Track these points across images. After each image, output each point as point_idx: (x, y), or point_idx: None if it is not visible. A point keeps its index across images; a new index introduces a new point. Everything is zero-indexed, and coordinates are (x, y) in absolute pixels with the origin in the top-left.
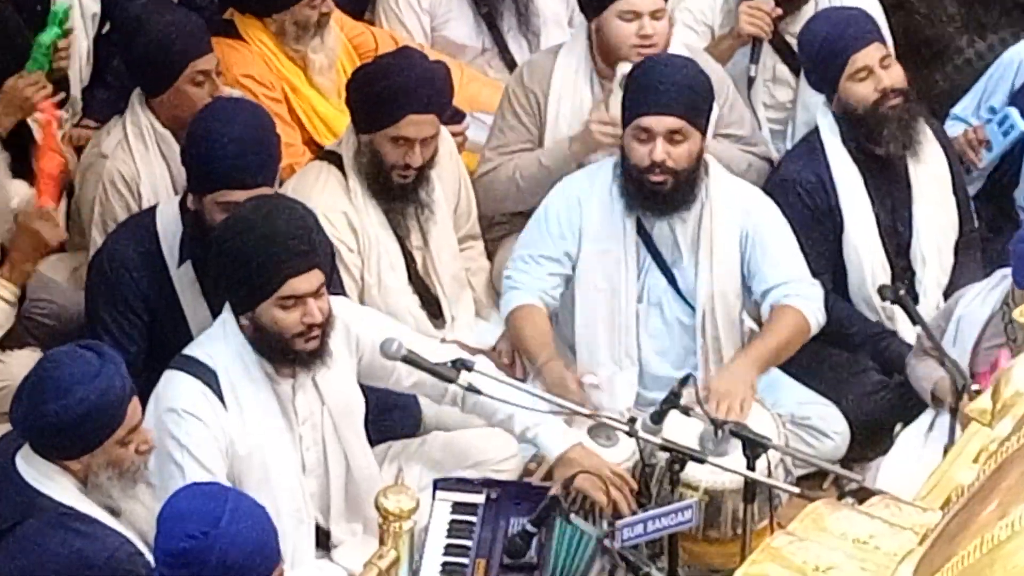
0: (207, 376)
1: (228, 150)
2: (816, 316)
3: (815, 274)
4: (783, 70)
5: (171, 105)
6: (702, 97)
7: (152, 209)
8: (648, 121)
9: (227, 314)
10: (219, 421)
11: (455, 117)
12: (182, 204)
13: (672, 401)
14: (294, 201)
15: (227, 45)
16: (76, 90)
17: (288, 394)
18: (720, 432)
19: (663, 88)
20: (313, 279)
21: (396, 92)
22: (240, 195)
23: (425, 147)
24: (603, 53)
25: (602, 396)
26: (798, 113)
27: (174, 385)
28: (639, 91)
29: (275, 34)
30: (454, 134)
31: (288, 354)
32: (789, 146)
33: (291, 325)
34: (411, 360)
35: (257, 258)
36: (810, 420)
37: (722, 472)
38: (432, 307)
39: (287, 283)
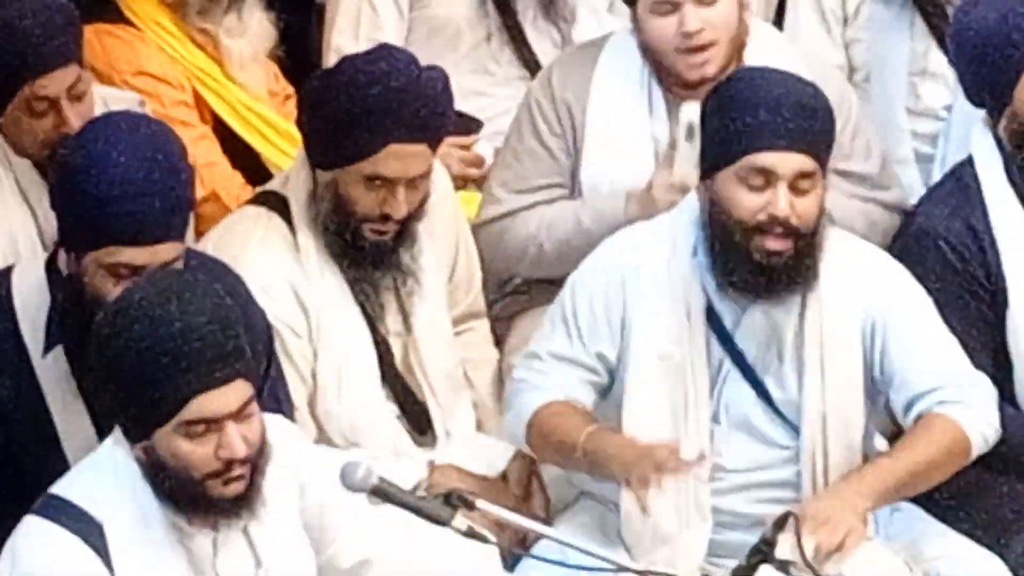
0: (87, 530)
1: (118, 189)
2: (982, 431)
3: None
4: (938, 59)
5: (13, 132)
6: (828, 123)
7: (6, 272)
8: (769, 159)
9: (116, 438)
10: None
11: (466, 125)
12: (50, 266)
13: (764, 552)
14: (209, 275)
15: (109, 34)
16: None
17: (206, 554)
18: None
19: (785, 110)
20: (233, 395)
21: (372, 111)
22: (135, 254)
23: (412, 191)
24: (651, 60)
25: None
26: (954, 127)
27: (39, 542)
28: (748, 115)
29: (172, 8)
30: (463, 150)
31: (199, 501)
32: (940, 176)
33: (201, 462)
34: (386, 493)
35: (150, 365)
36: None
37: None
38: (416, 418)
39: (193, 401)
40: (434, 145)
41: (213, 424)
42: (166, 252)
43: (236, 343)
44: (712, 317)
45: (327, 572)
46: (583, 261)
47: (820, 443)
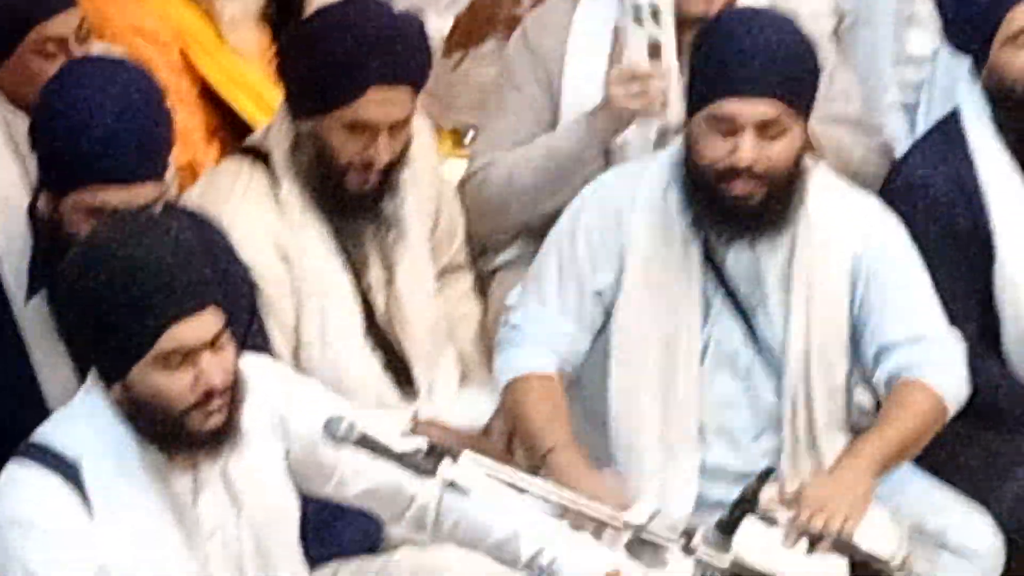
0: (67, 474)
1: (98, 128)
2: (954, 392)
3: (953, 321)
4: (925, 6)
5: (14, 80)
6: (807, 70)
7: None
8: (731, 107)
9: (92, 382)
10: (83, 535)
11: None
12: (32, 211)
13: (746, 505)
14: (180, 212)
15: None
16: None
17: (186, 495)
18: (814, 549)
19: (751, 57)
20: (206, 323)
21: (350, 56)
22: (115, 194)
23: (395, 136)
24: None
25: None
26: (938, 75)
27: (19, 485)
28: (714, 61)
29: None
30: None
31: (179, 437)
32: (924, 126)
33: (179, 394)
34: (369, 445)
35: (122, 300)
36: (948, 532)
37: None
38: (399, 372)
39: (168, 332)
40: (416, 88)
41: (189, 355)
42: (145, 192)
43: (205, 272)
44: (705, 250)
45: (340, 498)
46: (575, 198)
47: (803, 385)
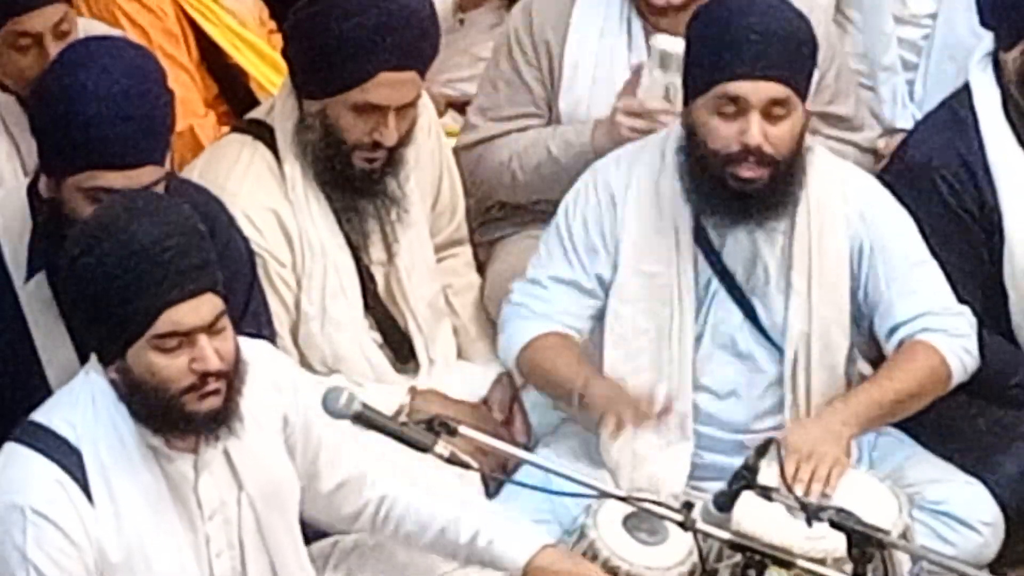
0: (66, 457)
1: (97, 112)
2: (962, 359)
3: (960, 299)
4: None
5: None
6: (808, 51)
7: None
8: (741, 87)
9: (93, 364)
10: (83, 524)
11: None
12: (32, 191)
13: (746, 477)
14: (182, 187)
15: None
16: None
17: (187, 476)
18: (813, 518)
19: (758, 39)
20: (203, 307)
21: (362, 39)
22: (115, 178)
23: (401, 118)
24: None
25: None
26: (937, 36)
27: (19, 469)
28: (721, 43)
29: None
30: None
31: (175, 419)
32: (922, 88)
33: (175, 376)
34: (368, 419)
35: (121, 281)
36: (948, 505)
37: None
38: (398, 346)
39: (165, 314)
40: (423, 72)
41: (185, 338)
42: (146, 176)
43: (204, 256)
44: (700, 237)
45: (310, 497)
46: (562, 183)
47: (804, 365)
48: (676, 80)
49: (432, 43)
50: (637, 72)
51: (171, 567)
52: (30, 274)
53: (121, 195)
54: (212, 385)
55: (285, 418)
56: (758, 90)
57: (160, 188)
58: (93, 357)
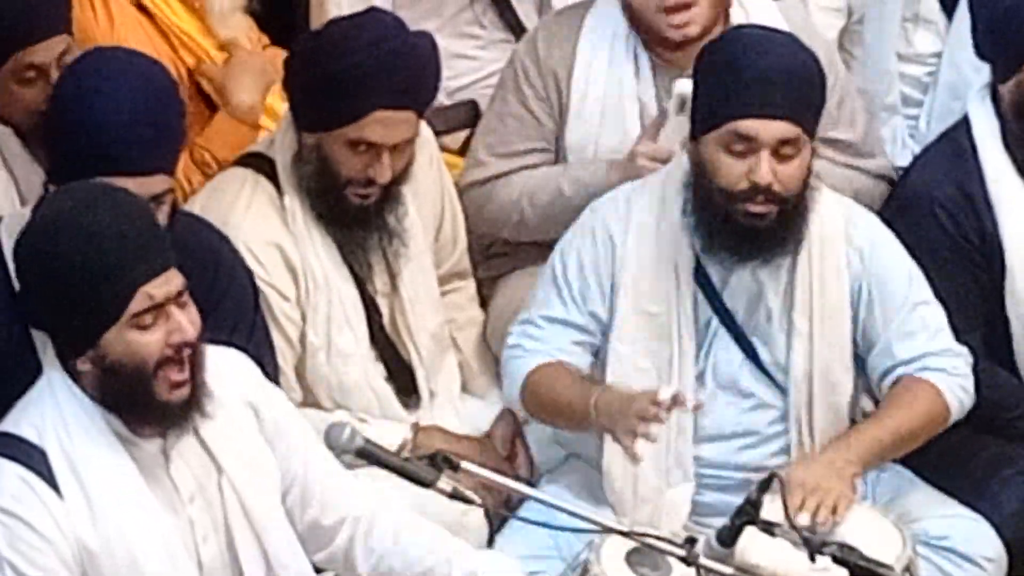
0: (29, 456)
1: (109, 118)
2: (959, 397)
3: (960, 333)
4: (931, 5)
5: None
6: (817, 89)
7: None
8: (751, 127)
9: (51, 369)
10: (54, 519)
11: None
12: (38, 209)
13: (749, 512)
14: (186, 219)
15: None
16: None
17: (156, 459)
18: (816, 553)
19: (769, 78)
20: (172, 280)
21: (359, 76)
22: (128, 184)
23: (397, 156)
24: (636, 26)
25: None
26: (942, 75)
27: None
28: (732, 82)
29: None
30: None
31: (147, 406)
32: (926, 126)
33: (154, 348)
34: (371, 455)
35: (87, 269)
36: (950, 540)
37: None
38: (401, 378)
39: (138, 292)
40: (420, 112)
41: (160, 311)
42: (157, 184)
43: (160, 234)
44: (700, 276)
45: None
46: (572, 223)
47: (806, 404)
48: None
49: (432, 84)
50: (661, 116)
51: (155, 553)
52: None
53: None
54: (186, 352)
55: (255, 409)
56: (768, 129)
57: (168, 207)
58: (49, 358)
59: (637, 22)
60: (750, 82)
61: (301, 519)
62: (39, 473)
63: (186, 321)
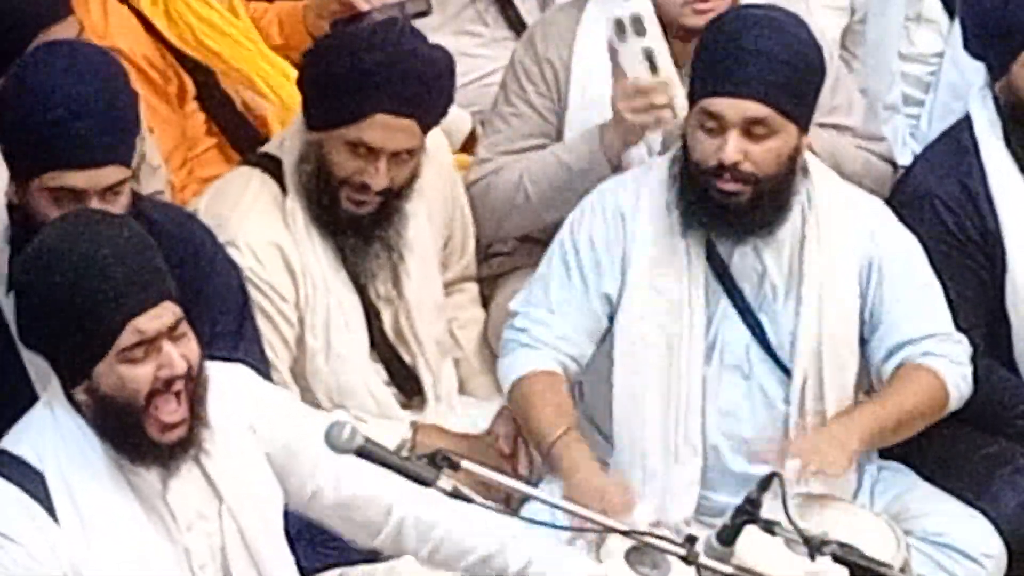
0: (28, 479)
1: (57, 111)
2: (959, 385)
3: (960, 328)
4: (933, 5)
5: None
6: (804, 76)
7: None
8: (718, 104)
9: (51, 391)
10: (49, 544)
11: None
12: (11, 204)
13: (749, 512)
14: (156, 208)
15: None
16: None
17: (155, 488)
18: (816, 553)
19: (744, 56)
20: (163, 314)
21: (364, 76)
22: (79, 177)
23: (396, 165)
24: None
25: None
26: (944, 75)
27: None
28: (708, 59)
29: None
30: None
31: (142, 445)
32: (927, 125)
33: (142, 382)
34: (372, 454)
35: (80, 302)
36: (950, 538)
37: None
38: (404, 383)
39: (127, 327)
40: (424, 125)
41: (151, 345)
42: (110, 175)
43: (155, 264)
44: (712, 255)
45: (317, 505)
46: (576, 199)
47: (814, 384)
48: (651, 43)
49: (440, 100)
50: (614, 56)
51: None
52: (11, 286)
53: (59, 219)
54: (176, 387)
55: (258, 433)
56: (736, 108)
57: (125, 198)
58: (51, 383)
59: (659, 16)
60: (722, 60)
61: (348, 516)
62: (36, 497)
63: (177, 355)
